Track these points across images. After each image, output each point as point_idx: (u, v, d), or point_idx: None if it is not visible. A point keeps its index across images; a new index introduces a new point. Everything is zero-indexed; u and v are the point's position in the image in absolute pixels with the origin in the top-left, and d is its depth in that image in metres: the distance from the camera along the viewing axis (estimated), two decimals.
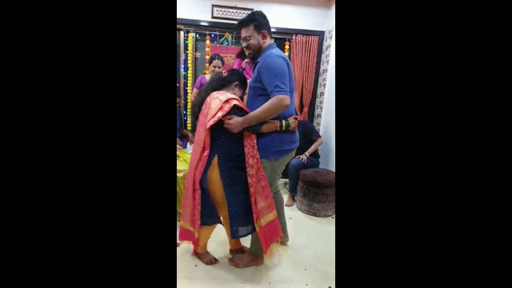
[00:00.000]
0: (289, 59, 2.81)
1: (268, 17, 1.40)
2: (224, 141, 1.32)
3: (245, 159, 1.33)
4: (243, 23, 1.38)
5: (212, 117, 1.26)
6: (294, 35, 2.85)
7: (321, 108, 2.91)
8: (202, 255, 1.56)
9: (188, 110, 2.93)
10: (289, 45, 2.91)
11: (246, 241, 1.61)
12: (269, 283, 1.43)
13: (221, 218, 1.44)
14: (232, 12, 2.76)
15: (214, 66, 2.34)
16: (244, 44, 1.41)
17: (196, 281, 1.41)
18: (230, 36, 2.81)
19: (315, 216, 2.25)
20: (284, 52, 2.86)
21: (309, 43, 2.87)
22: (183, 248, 1.65)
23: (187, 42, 2.85)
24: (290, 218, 2.13)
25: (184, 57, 2.90)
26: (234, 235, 1.40)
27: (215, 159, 1.32)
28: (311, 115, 3.11)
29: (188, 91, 2.94)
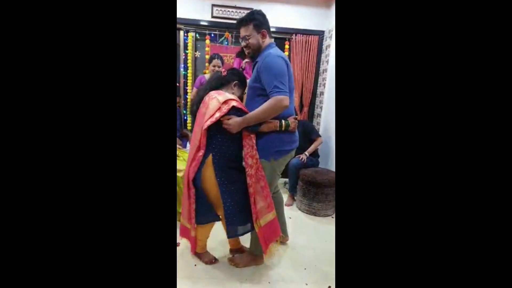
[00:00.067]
0: (289, 58, 2.83)
1: (268, 17, 1.40)
2: (220, 140, 1.31)
3: (244, 159, 1.32)
4: (242, 22, 1.37)
5: (210, 118, 1.25)
6: (294, 34, 2.85)
7: (321, 107, 2.91)
8: (201, 255, 1.56)
9: (188, 109, 2.93)
10: (289, 45, 2.90)
11: (246, 241, 1.61)
12: (269, 282, 1.43)
13: (221, 217, 1.44)
14: (232, 11, 2.76)
15: (214, 66, 2.34)
16: (243, 43, 1.40)
17: (196, 280, 1.42)
18: (230, 35, 2.81)
19: (315, 215, 2.25)
20: (284, 51, 2.86)
21: (309, 43, 2.87)
22: (183, 248, 1.65)
23: (187, 41, 2.84)
24: (290, 218, 2.13)
25: (184, 57, 2.90)
26: (230, 235, 1.40)
27: (209, 157, 1.31)
28: (311, 114, 3.11)
29: (188, 90, 2.94)
